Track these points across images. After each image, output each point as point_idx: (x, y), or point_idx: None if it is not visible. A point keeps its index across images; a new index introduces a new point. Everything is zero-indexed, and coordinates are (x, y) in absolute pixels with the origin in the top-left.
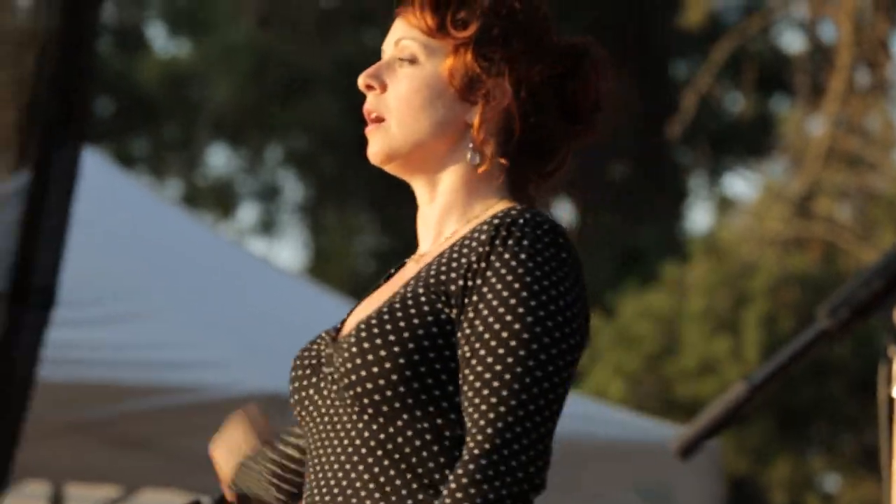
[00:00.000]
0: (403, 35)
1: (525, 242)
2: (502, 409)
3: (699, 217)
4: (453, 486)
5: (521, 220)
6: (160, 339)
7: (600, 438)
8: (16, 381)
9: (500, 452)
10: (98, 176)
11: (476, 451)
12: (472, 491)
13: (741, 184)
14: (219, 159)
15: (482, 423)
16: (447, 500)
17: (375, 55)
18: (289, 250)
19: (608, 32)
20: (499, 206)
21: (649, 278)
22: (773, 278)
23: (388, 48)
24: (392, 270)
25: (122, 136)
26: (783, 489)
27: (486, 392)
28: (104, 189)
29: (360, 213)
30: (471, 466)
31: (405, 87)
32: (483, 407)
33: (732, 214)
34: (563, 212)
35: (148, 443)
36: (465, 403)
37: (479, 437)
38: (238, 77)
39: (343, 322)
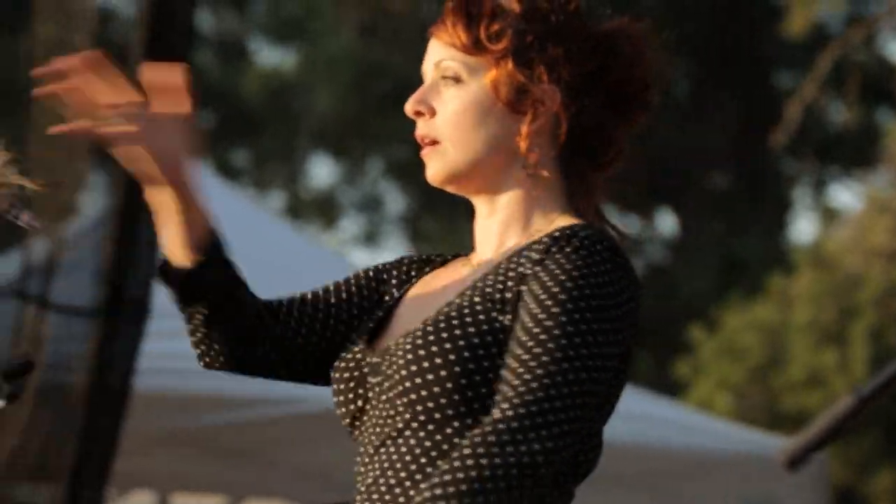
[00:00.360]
0: (442, 56)
1: (582, 252)
2: (533, 385)
3: (803, 228)
4: (466, 444)
5: (582, 234)
6: None
7: (706, 450)
8: (112, 392)
9: (521, 422)
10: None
11: (497, 417)
12: (481, 451)
13: (846, 194)
14: (321, 170)
15: (510, 394)
16: (455, 457)
17: None
18: None
19: (711, 42)
20: (560, 220)
21: (753, 289)
22: (879, 290)
23: (429, 71)
24: (428, 269)
25: (224, 147)
26: (888, 500)
27: (520, 370)
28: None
29: (462, 222)
30: (488, 429)
31: (453, 108)
32: (515, 382)
33: (837, 225)
34: (665, 222)
35: (251, 453)
36: (501, 383)
37: (504, 406)
38: (340, 87)
39: (375, 328)
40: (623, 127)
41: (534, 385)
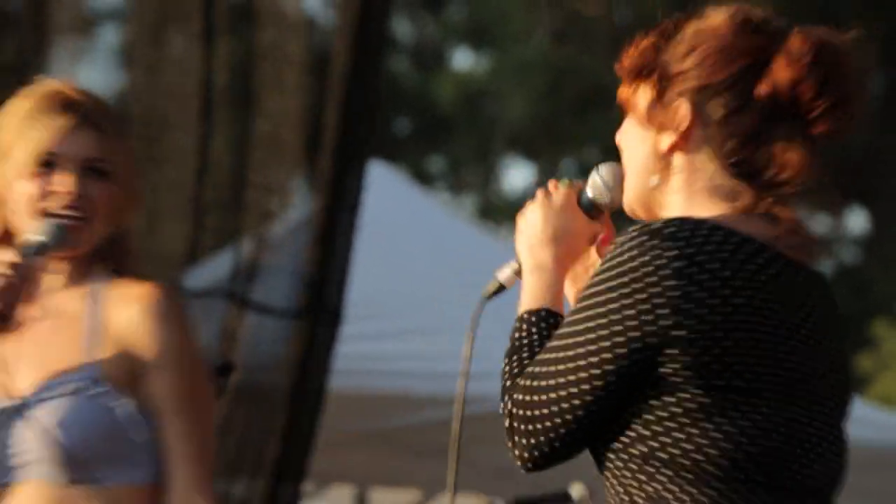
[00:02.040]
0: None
1: (621, 238)
2: (540, 355)
3: None
4: None
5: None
6: (455, 350)
7: (886, 445)
8: (309, 393)
9: (519, 377)
10: (397, 193)
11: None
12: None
13: None
14: (514, 174)
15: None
16: None
17: None
18: None
19: None
20: None
21: None
22: None
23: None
24: None
25: (419, 153)
26: None
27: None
28: (403, 206)
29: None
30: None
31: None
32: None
33: None
34: (856, 220)
35: (446, 450)
36: None
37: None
38: (532, 92)
39: None
40: (787, 143)
41: (540, 355)
